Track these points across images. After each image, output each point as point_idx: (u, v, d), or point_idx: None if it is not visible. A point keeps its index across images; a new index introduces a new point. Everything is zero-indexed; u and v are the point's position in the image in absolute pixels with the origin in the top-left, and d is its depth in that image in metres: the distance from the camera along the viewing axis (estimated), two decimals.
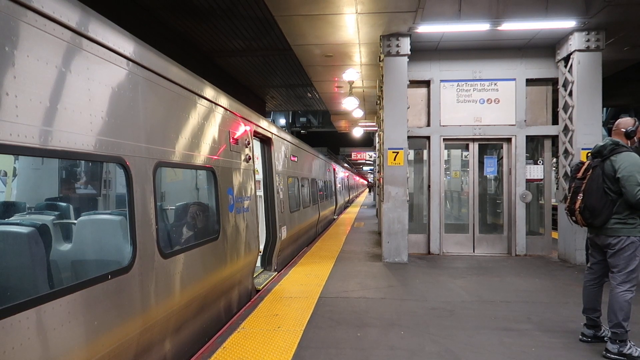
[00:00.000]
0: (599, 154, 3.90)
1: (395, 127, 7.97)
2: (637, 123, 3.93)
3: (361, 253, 9.01)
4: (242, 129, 5.76)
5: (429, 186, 8.81)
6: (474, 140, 8.88)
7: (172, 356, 3.73)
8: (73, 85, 2.59)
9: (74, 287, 2.48)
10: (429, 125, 8.81)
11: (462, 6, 7.24)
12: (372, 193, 33.08)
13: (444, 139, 8.76)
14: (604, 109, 18.30)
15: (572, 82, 7.85)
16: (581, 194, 3.93)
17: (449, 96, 8.75)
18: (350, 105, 12.02)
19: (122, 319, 2.91)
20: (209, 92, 4.70)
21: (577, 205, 3.95)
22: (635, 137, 3.93)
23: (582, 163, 4.09)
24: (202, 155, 4.40)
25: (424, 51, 8.57)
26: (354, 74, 10.62)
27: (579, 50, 7.67)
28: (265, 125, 7.20)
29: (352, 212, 22.29)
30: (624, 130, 3.93)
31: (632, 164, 3.67)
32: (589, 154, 4.10)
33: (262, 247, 7.25)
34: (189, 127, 4.15)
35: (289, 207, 8.79)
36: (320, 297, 5.58)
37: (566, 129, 8.14)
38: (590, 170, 3.92)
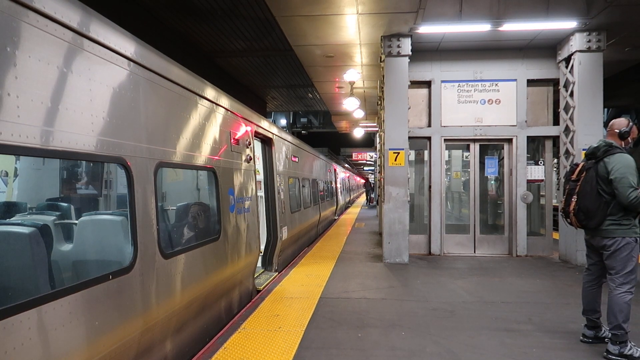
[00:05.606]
0: (593, 156, 3.91)
1: (396, 127, 7.97)
2: (630, 124, 3.93)
3: (362, 254, 9.01)
4: (243, 129, 5.76)
5: (429, 187, 8.81)
6: (474, 140, 8.87)
7: (173, 356, 3.73)
8: (74, 86, 2.59)
9: (75, 288, 2.48)
10: (429, 125, 8.81)
11: (463, 7, 7.24)
12: (370, 194, 29.75)
13: (445, 140, 8.76)
14: (605, 109, 18.29)
15: (573, 83, 7.85)
16: (575, 196, 3.94)
17: (449, 97, 8.75)
18: (351, 105, 12.03)
19: (123, 319, 2.91)
20: (210, 92, 4.71)
21: (572, 207, 3.96)
22: (629, 138, 3.93)
23: (577, 165, 4.09)
24: (203, 155, 4.41)
25: (424, 52, 8.57)
26: (354, 74, 10.62)
27: (580, 51, 7.67)
28: (266, 126, 7.20)
29: (353, 212, 22.29)
30: (618, 131, 3.93)
31: (624, 165, 3.68)
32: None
33: (262, 248, 7.25)
34: (190, 128, 4.15)
35: (290, 207, 8.79)
36: (321, 298, 5.58)
37: (567, 130, 8.13)
38: (584, 172, 3.93)
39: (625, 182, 3.63)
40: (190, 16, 9.88)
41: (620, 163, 3.70)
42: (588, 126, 7.72)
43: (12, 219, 3.96)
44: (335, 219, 18.15)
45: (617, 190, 3.66)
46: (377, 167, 15.32)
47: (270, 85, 16.26)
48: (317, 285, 6.20)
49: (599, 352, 3.84)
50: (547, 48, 8.43)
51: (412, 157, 9.34)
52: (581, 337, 4.12)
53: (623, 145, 3.91)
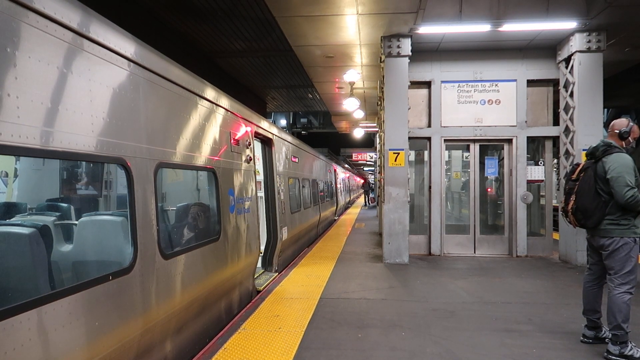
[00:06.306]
0: (592, 156, 3.95)
1: (396, 128, 7.97)
2: (630, 124, 3.95)
3: (362, 254, 9.01)
4: (243, 129, 5.76)
5: (429, 187, 8.81)
6: (474, 141, 8.87)
7: (173, 357, 3.72)
8: (74, 86, 2.59)
9: (75, 288, 2.48)
10: (429, 126, 8.81)
11: (463, 7, 7.24)
12: (370, 194, 29.22)
13: (445, 140, 8.76)
14: (605, 110, 18.29)
15: (573, 83, 7.85)
16: (574, 195, 3.97)
17: (449, 97, 8.75)
18: (351, 106, 12.02)
19: (123, 320, 2.91)
20: (210, 93, 4.71)
21: (570, 206, 3.99)
22: (630, 138, 3.94)
23: (578, 165, 4.13)
24: (203, 156, 4.40)
25: (424, 52, 8.57)
26: (354, 74, 10.62)
27: (580, 51, 7.67)
28: (266, 126, 7.20)
29: (353, 212, 22.29)
30: (618, 131, 3.95)
31: (621, 165, 3.70)
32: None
33: (262, 248, 7.25)
34: (190, 128, 4.15)
35: (290, 207, 8.79)
36: (321, 298, 5.58)
37: (567, 130, 8.13)
38: (584, 172, 3.95)
39: (621, 181, 3.65)
40: (191, 17, 9.89)
41: (617, 162, 3.72)
42: (588, 126, 7.73)
43: (12, 219, 3.96)
44: (335, 220, 18.15)
45: (614, 190, 3.69)
46: (377, 168, 15.32)
47: (270, 85, 16.26)
48: (317, 286, 6.20)
49: (599, 352, 3.84)
50: (547, 48, 8.43)
51: (412, 157, 9.34)
52: (581, 338, 4.12)
53: (624, 146, 3.93)
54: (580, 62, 7.70)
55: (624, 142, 3.93)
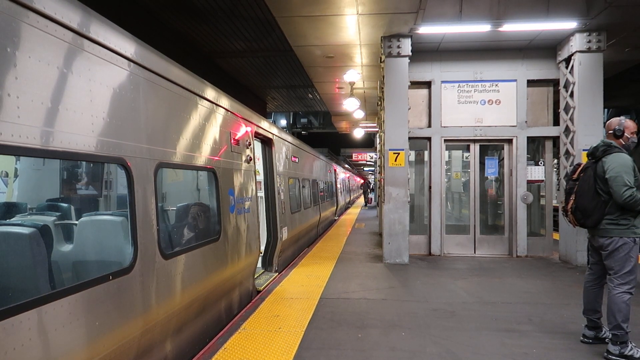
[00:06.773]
0: (592, 156, 3.97)
1: (396, 128, 7.97)
2: (622, 121, 3.95)
3: (362, 254, 9.01)
4: (243, 129, 5.77)
5: (429, 187, 8.81)
6: (475, 141, 8.88)
7: (173, 357, 3.72)
8: (74, 86, 2.59)
9: (75, 288, 2.48)
10: (429, 126, 8.81)
11: (463, 7, 7.24)
12: (369, 195, 29.80)
13: (445, 140, 8.76)
14: (605, 110, 18.28)
15: (573, 83, 7.85)
16: (574, 195, 3.99)
17: (450, 97, 8.75)
18: (351, 106, 12.03)
19: (123, 320, 2.91)
20: (210, 93, 4.71)
21: (570, 205, 4.01)
22: (626, 134, 3.94)
23: (579, 165, 4.14)
24: (203, 156, 4.41)
25: (425, 52, 8.57)
26: (354, 75, 10.62)
27: (580, 51, 7.67)
28: (266, 126, 7.20)
29: (353, 213, 22.29)
30: (612, 131, 3.97)
31: (620, 164, 3.71)
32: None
33: (263, 248, 7.25)
34: (190, 128, 4.15)
35: (290, 208, 8.79)
36: (321, 298, 5.58)
37: (567, 130, 8.13)
38: (584, 172, 3.97)
39: (619, 181, 3.66)
40: (191, 17, 9.88)
41: (616, 162, 3.73)
42: (588, 126, 7.73)
43: (12, 219, 3.96)
44: (335, 220, 18.15)
45: (612, 189, 3.71)
46: (377, 168, 15.32)
47: (270, 85, 16.26)
48: (317, 286, 6.20)
49: (599, 352, 3.84)
50: (547, 48, 8.43)
51: (412, 157, 9.34)
52: (581, 338, 4.12)
53: (623, 143, 3.93)
54: (581, 62, 7.71)
55: (622, 140, 3.94)
